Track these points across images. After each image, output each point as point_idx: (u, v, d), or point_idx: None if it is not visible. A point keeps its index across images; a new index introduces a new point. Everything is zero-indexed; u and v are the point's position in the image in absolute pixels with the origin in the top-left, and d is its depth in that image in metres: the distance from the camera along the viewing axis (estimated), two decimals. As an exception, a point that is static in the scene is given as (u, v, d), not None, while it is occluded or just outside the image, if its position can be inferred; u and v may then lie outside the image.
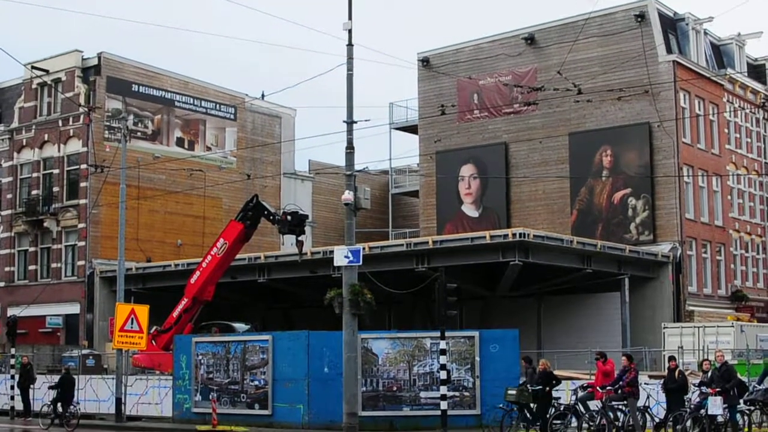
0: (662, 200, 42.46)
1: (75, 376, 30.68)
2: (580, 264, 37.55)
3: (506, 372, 25.08)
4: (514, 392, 22.70)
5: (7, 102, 52.19)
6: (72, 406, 28.34)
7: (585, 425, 22.05)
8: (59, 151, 48.79)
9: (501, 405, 22.81)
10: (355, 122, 25.36)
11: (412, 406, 25.72)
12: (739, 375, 21.92)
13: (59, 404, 28.37)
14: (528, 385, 22.72)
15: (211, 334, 32.65)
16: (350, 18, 25.23)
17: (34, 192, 49.72)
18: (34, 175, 49.89)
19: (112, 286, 43.16)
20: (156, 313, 32.41)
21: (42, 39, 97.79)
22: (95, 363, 37.38)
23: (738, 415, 21.18)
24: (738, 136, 48.12)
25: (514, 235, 34.99)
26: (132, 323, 29.43)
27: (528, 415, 22.72)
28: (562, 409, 22.58)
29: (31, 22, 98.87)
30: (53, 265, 48.78)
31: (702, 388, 21.01)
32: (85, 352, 39.11)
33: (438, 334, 24.51)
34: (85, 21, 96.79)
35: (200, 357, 28.23)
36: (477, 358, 25.61)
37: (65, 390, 28.67)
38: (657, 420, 22.46)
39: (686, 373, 23.13)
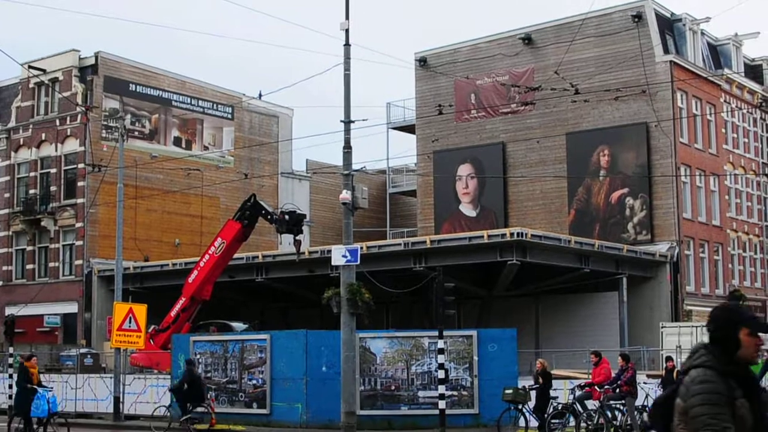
0: (660, 200, 42.51)
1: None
2: (577, 263, 37.58)
3: (504, 371, 25.09)
4: (510, 391, 22.75)
5: (4, 101, 52.11)
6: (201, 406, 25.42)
7: (583, 424, 22.05)
8: (56, 150, 48.75)
9: None
10: (353, 122, 25.30)
11: (410, 405, 25.74)
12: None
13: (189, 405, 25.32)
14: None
15: (209, 333, 32.67)
16: (347, 18, 25.17)
17: (31, 191, 49.69)
18: (32, 174, 49.85)
19: (109, 286, 43.12)
20: (154, 313, 32.39)
21: (39, 38, 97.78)
22: (93, 362, 37.36)
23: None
24: (735, 136, 48.19)
25: (511, 234, 35.01)
26: (130, 322, 29.38)
27: (526, 414, 22.78)
28: (560, 408, 22.61)
29: (28, 21, 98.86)
30: (51, 265, 48.76)
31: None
32: (83, 351, 39.08)
33: (436, 333, 24.49)
34: (81, 20, 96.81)
35: (198, 356, 28.22)
36: (475, 358, 25.62)
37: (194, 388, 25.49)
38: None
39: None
